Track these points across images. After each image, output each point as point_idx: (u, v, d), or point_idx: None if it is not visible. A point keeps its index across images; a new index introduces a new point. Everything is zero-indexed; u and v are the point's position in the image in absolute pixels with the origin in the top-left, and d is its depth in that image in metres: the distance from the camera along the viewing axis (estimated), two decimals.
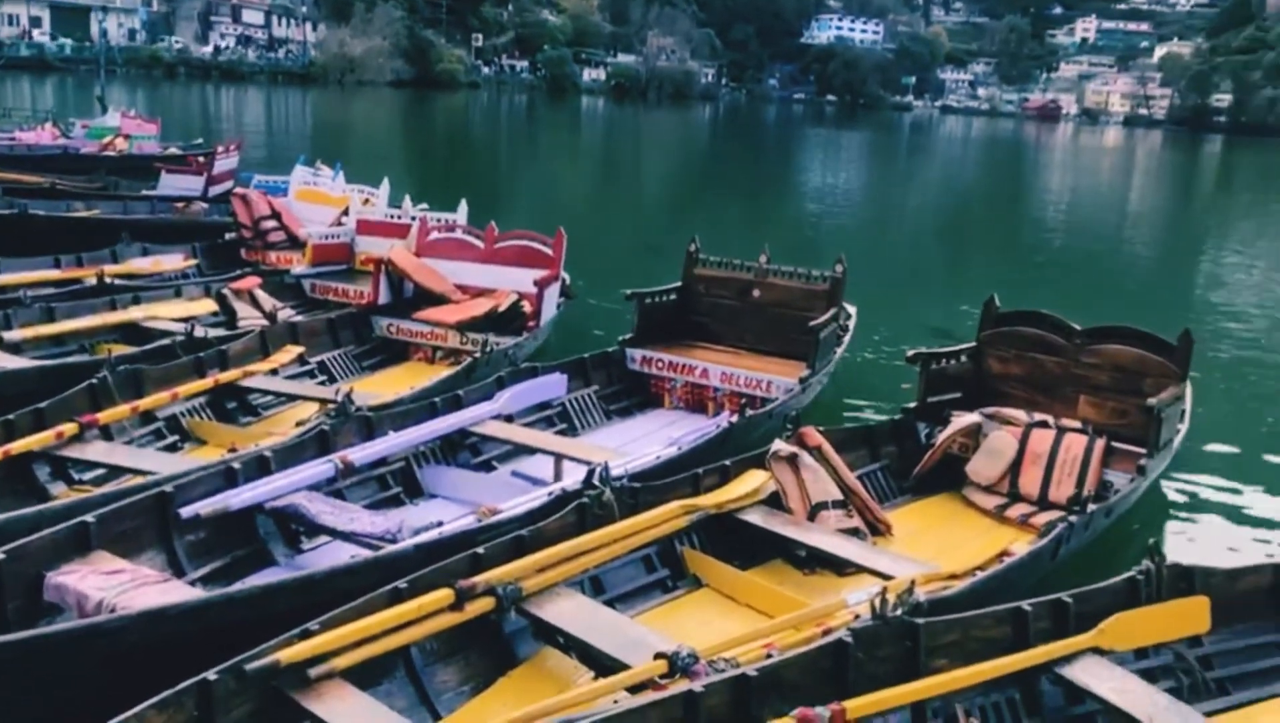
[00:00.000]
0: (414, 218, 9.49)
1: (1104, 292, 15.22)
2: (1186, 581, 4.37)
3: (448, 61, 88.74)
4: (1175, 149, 72.74)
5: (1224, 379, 10.03)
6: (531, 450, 6.21)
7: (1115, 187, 40.04)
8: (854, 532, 5.30)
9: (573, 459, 5.76)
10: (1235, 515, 6.78)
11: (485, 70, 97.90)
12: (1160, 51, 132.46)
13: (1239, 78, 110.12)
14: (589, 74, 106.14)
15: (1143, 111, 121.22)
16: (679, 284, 8.14)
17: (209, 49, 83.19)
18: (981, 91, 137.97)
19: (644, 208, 24.40)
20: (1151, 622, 4.12)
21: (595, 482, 4.84)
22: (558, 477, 5.74)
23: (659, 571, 4.95)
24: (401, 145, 37.87)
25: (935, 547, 5.47)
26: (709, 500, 5.15)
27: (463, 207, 9.84)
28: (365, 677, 3.68)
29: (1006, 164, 51.19)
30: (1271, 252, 21.90)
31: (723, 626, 4.46)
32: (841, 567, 5.02)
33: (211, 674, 3.28)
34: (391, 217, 9.93)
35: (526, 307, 8.22)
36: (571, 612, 4.12)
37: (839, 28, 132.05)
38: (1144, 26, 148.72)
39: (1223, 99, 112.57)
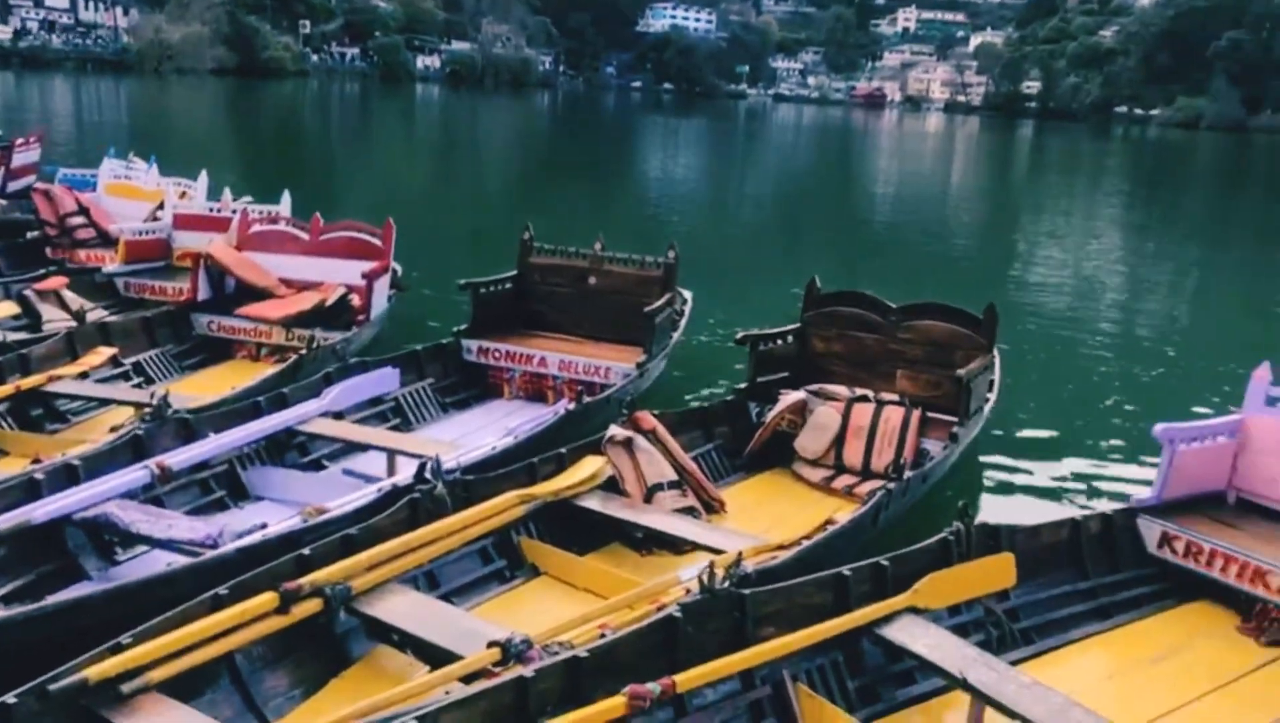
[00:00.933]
0: (235, 211, 9.13)
1: (924, 270, 15.95)
2: (994, 539, 4.66)
3: (274, 49, 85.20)
4: (991, 133, 76.67)
5: (1032, 350, 10.67)
6: (363, 447, 6.09)
7: (937, 170, 41.96)
8: (689, 511, 5.43)
9: (406, 454, 5.66)
10: (1039, 476, 7.24)
11: (315, 58, 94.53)
12: (975, 41, 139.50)
13: (1046, 66, 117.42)
14: (423, 61, 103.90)
15: (961, 99, 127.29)
16: (514, 273, 8.10)
17: (8, 34, 77.54)
18: (812, 80, 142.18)
19: (480, 197, 24.11)
20: (962, 580, 4.35)
21: (427, 476, 4.79)
22: (391, 473, 5.64)
23: (496, 562, 4.94)
24: (224, 136, 36.21)
25: (766, 520, 5.65)
26: (545, 489, 5.17)
27: (285, 198, 9.52)
28: (186, 688, 3.54)
29: (836, 150, 52.93)
30: (1077, 230, 23.40)
31: (561, 611, 4.46)
32: (678, 546, 5.13)
33: (10, 698, 3.09)
34: (211, 210, 9.52)
35: (355, 300, 8.03)
36: (404, 608, 4.06)
37: (673, 16, 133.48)
38: (960, 17, 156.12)
39: (1032, 86, 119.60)
